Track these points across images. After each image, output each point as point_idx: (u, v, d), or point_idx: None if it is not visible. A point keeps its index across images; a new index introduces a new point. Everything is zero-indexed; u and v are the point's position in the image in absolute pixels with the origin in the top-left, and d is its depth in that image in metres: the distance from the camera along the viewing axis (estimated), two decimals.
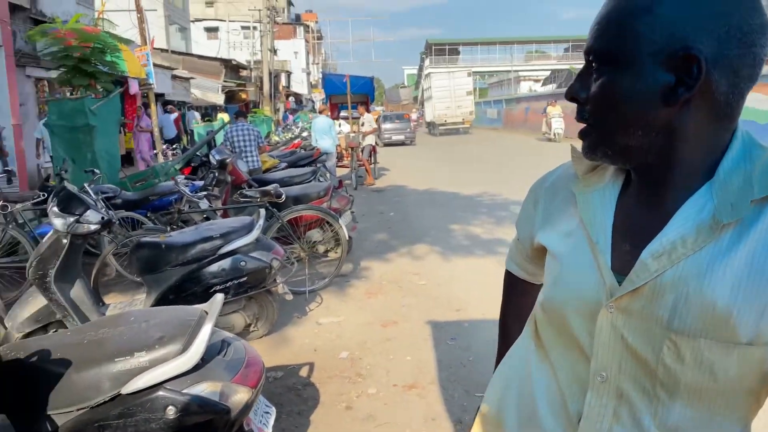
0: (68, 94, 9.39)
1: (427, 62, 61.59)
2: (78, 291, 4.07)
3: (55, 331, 3.97)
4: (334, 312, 5.09)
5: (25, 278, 6.03)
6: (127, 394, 2.20)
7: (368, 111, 15.35)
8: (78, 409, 2.21)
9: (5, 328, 3.98)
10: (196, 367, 2.27)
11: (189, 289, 4.11)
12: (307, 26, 61.00)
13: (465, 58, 62.24)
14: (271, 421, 2.56)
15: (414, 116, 40.02)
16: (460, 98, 36.10)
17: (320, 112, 14.00)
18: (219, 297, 2.51)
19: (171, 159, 12.03)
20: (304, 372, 3.92)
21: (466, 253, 6.86)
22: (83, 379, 2.20)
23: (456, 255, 6.80)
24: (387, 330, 4.63)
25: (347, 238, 6.00)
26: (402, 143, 27.40)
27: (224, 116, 22.06)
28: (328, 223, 6.00)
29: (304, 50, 58.60)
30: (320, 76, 63.94)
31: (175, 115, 18.31)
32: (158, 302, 4.12)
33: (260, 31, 30.87)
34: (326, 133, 12.21)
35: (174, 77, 21.75)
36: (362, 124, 14.10)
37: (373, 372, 3.88)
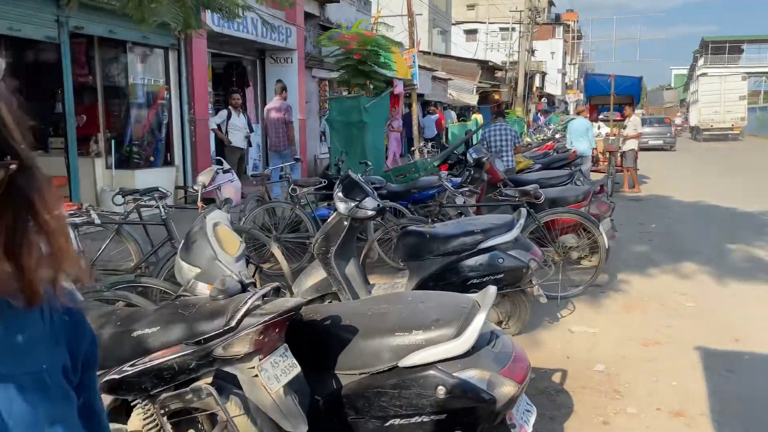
0: (344, 93, 10.44)
1: (700, 62, 55.55)
2: (351, 269, 4.50)
3: (330, 302, 4.43)
4: (588, 322, 4.87)
5: (305, 252, 6.88)
6: (404, 368, 2.36)
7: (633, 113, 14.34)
8: (360, 373, 2.44)
9: (292, 293, 4.58)
10: (467, 354, 2.34)
11: (448, 279, 4.27)
12: (567, 26, 59.25)
13: (750, 57, 54.70)
14: (532, 420, 2.54)
15: (678, 120, 36.50)
16: (730, 103, 32.25)
17: (578, 113, 13.48)
18: (492, 289, 2.56)
19: (427, 156, 12.66)
20: (556, 378, 3.82)
21: (746, 277, 6.04)
22: (367, 347, 2.42)
23: (734, 278, 6.03)
24: (649, 349, 4.28)
25: (606, 246, 5.69)
26: (660, 148, 25.54)
27: (478, 117, 22.51)
28: (584, 229, 5.76)
29: (561, 50, 57.07)
30: (576, 76, 61.57)
31: (437, 115, 19.22)
32: (418, 288, 4.36)
33: (519, 32, 30.81)
34: (583, 135, 11.72)
35: (434, 78, 22.82)
36: (625, 127, 13.22)
37: (633, 391, 3.63)
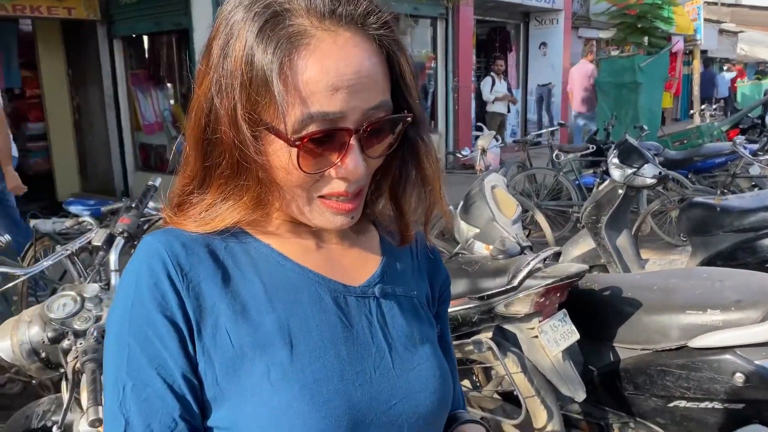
0: (612, 53, 9.73)
1: None
2: (623, 240, 4.27)
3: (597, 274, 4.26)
4: None
5: (566, 221, 6.71)
6: (694, 348, 2.18)
7: None
8: (642, 349, 2.32)
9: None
10: None
11: (741, 259, 3.79)
12: None
13: None
14: None
15: None
16: None
17: None
18: None
19: (709, 120, 11.28)
20: None
21: None
22: (652, 322, 2.29)
23: None
24: None
25: None
26: None
27: None
28: None
29: None
30: None
31: (734, 74, 16.98)
32: (702, 266, 3.97)
33: None
34: None
35: (720, 32, 20.06)
36: None
37: None
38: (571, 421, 2.54)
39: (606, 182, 4.19)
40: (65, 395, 1.70)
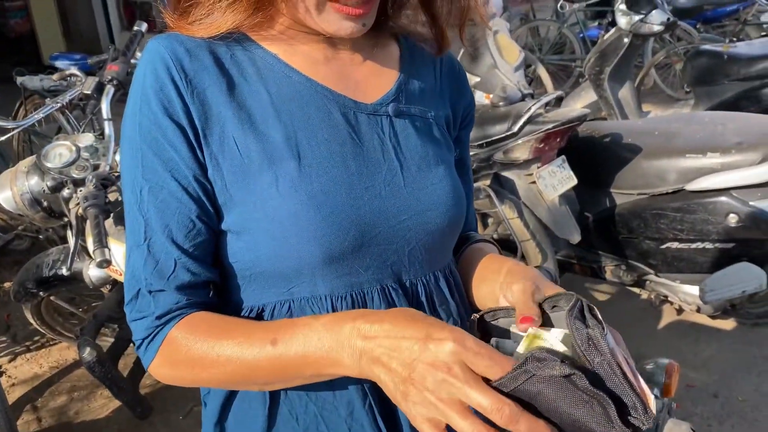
0: None
1: None
2: (625, 92, 4.18)
3: None
4: None
5: (569, 76, 6.54)
6: (691, 191, 2.20)
7: None
8: (639, 194, 2.35)
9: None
10: None
11: (744, 108, 3.74)
12: None
13: None
14: None
15: None
16: None
17: None
18: None
19: None
20: None
21: None
22: (651, 167, 2.30)
23: None
24: None
25: None
26: None
27: None
28: None
29: None
30: None
31: None
32: None
33: None
34: None
35: None
36: None
37: None
38: (565, 264, 2.63)
39: (611, 31, 4.02)
40: (71, 242, 1.74)
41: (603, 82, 4.06)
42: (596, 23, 6.78)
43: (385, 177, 0.72)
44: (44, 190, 1.74)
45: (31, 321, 2.28)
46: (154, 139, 0.67)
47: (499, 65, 2.60)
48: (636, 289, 2.65)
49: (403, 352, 0.56)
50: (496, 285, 0.72)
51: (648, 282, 2.44)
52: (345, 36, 0.69)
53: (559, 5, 6.52)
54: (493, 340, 0.64)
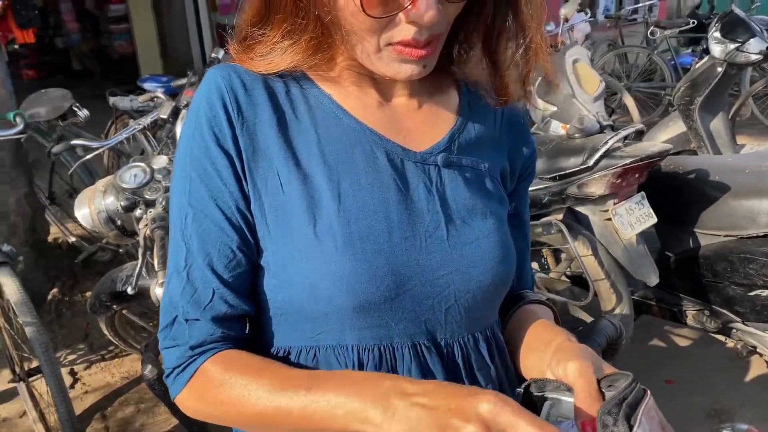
0: None
1: None
2: (717, 124, 3.94)
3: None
4: None
5: (658, 104, 6.26)
6: None
7: None
8: (726, 235, 2.18)
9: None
10: None
11: None
12: None
13: None
14: None
15: None
16: None
17: None
18: None
19: None
20: None
21: None
22: (740, 207, 2.13)
23: None
24: None
25: None
26: None
27: None
28: None
29: None
30: None
31: None
32: None
33: None
34: None
35: None
36: None
37: None
38: (643, 305, 2.47)
39: (704, 59, 3.81)
40: (139, 261, 1.80)
41: (693, 113, 3.85)
42: (689, 50, 6.49)
43: (427, 228, 0.69)
44: (118, 210, 1.81)
45: (105, 332, 2.37)
46: (203, 166, 0.68)
47: (577, 95, 2.51)
48: (720, 337, 2.46)
49: (440, 408, 0.52)
50: (545, 358, 0.67)
51: (734, 330, 2.26)
52: (404, 79, 0.67)
53: (649, 32, 6.31)
54: (547, 403, 0.60)
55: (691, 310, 2.33)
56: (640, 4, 7.61)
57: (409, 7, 0.61)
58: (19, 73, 9.08)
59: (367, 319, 0.66)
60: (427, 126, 0.75)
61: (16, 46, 8.25)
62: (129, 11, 8.56)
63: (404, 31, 0.63)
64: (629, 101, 4.96)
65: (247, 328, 0.72)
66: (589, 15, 5.27)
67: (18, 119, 2.09)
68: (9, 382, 2.34)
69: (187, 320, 0.67)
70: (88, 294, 3.15)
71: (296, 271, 0.66)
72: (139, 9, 8.50)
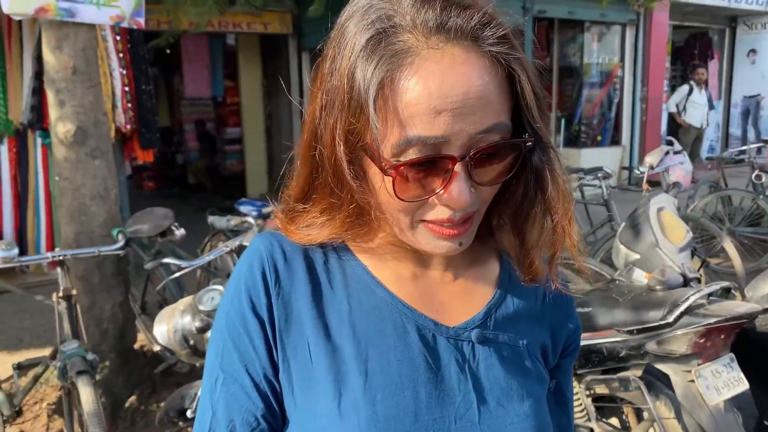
0: None
1: None
2: None
3: None
4: None
5: (765, 250, 5.88)
6: None
7: None
8: None
9: (743, 296, 3.97)
10: None
11: None
12: None
13: None
14: None
15: None
16: None
17: None
18: None
19: None
20: None
21: None
22: None
23: None
24: None
25: None
26: None
27: None
28: None
29: None
30: None
31: None
32: None
33: None
34: None
35: None
36: None
37: None
38: None
39: None
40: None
41: None
42: None
43: (457, 409, 0.67)
44: (193, 330, 1.89)
45: None
46: (237, 331, 0.70)
47: (661, 244, 2.43)
48: None
49: None
50: None
51: None
52: (442, 255, 0.69)
53: (754, 175, 6.07)
54: None
55: None
56: (745, 147, 7.41)
57: (441, 192, 0.62)
58: (140, 185, 10.00)
59: None
60: (462, 299, 0.74)
61: (140, 162, 9.19)
62: (243, 134, 9.36)
63: (439, 211, 0.64)
64: (729, 246, 4.69)
65: None
66: (684, 157, 5.16)
67: (120, 236, 2.30)
68: None
69: None
70: (162, 405, 3.23)
71: None
72: (252, 133, 9.27)
